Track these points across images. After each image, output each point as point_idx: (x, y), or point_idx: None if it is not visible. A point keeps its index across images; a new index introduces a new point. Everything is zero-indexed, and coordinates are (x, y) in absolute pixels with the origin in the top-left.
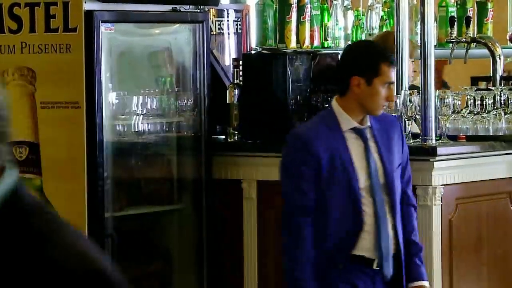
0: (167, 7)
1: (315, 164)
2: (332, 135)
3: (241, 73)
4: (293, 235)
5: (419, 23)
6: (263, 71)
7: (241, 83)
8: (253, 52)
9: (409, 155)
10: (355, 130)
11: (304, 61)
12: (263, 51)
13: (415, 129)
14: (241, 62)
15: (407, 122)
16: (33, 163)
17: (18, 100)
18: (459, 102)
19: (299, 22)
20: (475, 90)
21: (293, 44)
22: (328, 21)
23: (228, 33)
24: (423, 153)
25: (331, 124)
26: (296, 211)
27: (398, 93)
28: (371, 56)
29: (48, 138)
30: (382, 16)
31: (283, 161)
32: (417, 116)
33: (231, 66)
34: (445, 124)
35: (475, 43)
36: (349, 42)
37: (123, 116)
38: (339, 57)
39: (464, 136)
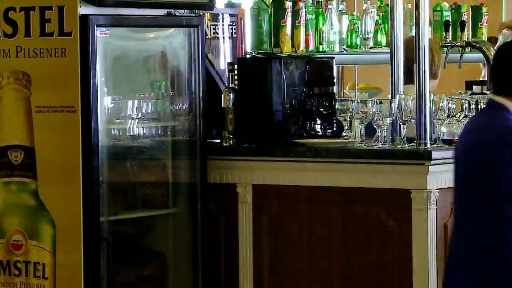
0: (162, 12)
1: None
2: None
3: (236, 77)
4: None
5: (413, 27)
6: (258, 75)
7: (236, 87)
8: (248, 56)
9: (404, 159)
10: None
11: (299, 65)
12: (258, 55)
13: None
14: (236, 66)
15: (402, 126)
16: (28, 167)
17: (13, 104)
18: (454, 106)
19: (294, 26)
20: (470, 94)
21: (288, 48)
22: (323, 25)
23: (223, 37)
24: (418, 157)
25: None
26: None
27: (393, 97)
28: None
29: (43, 142)
30: (377, 21)
31: None
32: (412, 120)
33: (226, 70)
34: (440, 128)
35: (469, 47)
36: (344, 47)
37: (118, 120)
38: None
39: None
